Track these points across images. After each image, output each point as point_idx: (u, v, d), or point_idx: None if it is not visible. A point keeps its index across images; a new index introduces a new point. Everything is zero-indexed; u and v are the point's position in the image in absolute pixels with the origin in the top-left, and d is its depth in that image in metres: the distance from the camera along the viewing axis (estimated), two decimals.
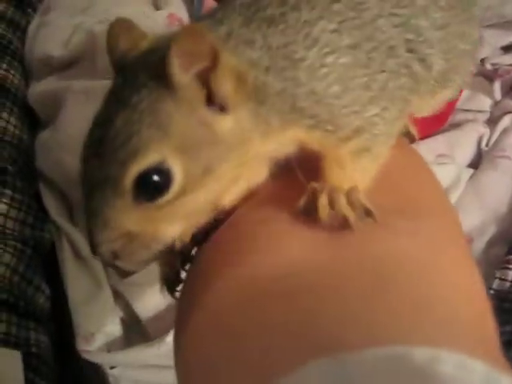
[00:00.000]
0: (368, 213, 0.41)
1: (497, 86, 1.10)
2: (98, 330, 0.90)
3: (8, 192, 0.95)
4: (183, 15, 1.09)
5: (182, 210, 0.42)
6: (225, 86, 0.41)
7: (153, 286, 0.92)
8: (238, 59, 0.42)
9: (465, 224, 0.96)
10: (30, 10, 1.19)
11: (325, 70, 0.43)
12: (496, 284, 0.87)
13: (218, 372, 0.37)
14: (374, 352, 0.28)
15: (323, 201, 0.42)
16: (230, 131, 0.42)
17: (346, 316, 0.34)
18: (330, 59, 0.43)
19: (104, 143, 0.41)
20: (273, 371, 0.31)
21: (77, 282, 0.95)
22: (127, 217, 0.42)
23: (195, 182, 0.41)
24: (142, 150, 0.40)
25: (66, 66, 1.06)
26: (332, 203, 0.42)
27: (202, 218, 0.46)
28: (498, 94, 1.11)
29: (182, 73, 0.39)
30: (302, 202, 0.43)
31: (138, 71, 0.42)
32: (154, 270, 0.92)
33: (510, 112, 1.08)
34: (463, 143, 1.05)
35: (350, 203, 0.42)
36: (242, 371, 0.35)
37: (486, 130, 1.06)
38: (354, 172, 0.45)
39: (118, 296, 0.94)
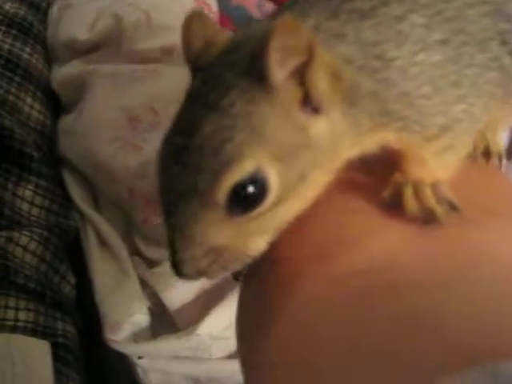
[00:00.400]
0: (453, 207, 0.39)
1: None
2: (124, 320, 0.89)
3: (33, 179, 0.93)
4: (211, 0, 1.07)
5: (275, 220, 0.39)
6: (321, 84, 0.37)
7: None
8: (331, 55, 0.38)
9: None
10: None
11: (416, 68, 0.40)
12: None
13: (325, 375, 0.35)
14: None
15: (409, 193, 0.40)
16: (323, 135, 0.38)
17: (473, 314, 0.32)
18: (420, 57, 0.40)
19: (189, 151, 0.37)
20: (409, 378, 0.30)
21: (103, 270, 0.94)
22: (217, 231, 0.38)
23: (290, 190, 0.38)
24: (237, 159, 0.36)
25: (91, 49, 1.03)
26: (417, 196, 0.40)
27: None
28: None
29: (279, 70, 0.36)
30: (386, 193, 0.41)
31: (223, 71, 0.38)
32: None
33: None
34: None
35: (436, 196, 0.40)
36: (362, 374, 0.33)
37: None
38: (436, 167, 0.43)
39: (145, 285, 0.92)
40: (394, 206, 0.41)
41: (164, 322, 0.92)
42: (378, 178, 0.43)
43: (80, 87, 1.00)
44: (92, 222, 0.97)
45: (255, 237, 0.40)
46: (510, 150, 1.02)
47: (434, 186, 0.41)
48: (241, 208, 0.37)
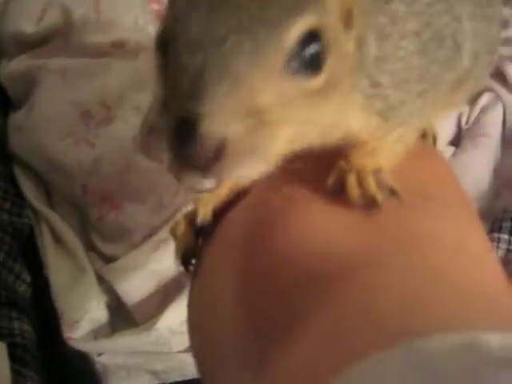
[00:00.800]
0: (394, 192, 0.41)
1: None
2: (82, 317, 0.89)
3: None
4: None
5: (309, 112, 0.34)
6: (357, 12, 0.36)
7: (137, 271, 0.91)
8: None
9: None
10: None
11: (401, 52, 0.40)
12: None
13: None
14: (450, 339, 0.28)
15: (352, 180, 0.41)
16: (349, 56, 0.36)
17: (407, 297, 0.34)
18: (403, 42, 0.40)
19: None
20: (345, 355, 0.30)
21: (58, 267, 0.93)
22: (270, 84, 0.31)
23: (329, 88, 0.34)
24: (311, 9, 0.32)
25: (39, 43, 1.01)
26: (360, 183, 0.41)
27: (301, 143, 0.36)
28: None
29: None
30: (330, 181, 0.42)
31: None
32: (138, 255, 0.91)
33: (488, 90, 1.09)
34: (443, 122, 1.06)
35: (377, 183, 0.41)
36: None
37: (465, 109, 1.07)
38: (382, 157, 0.44)
39: (102, 281, 0.92)
40: (338, 193, 0.42)
41: (122, 317, 0.92)
42: (323, 166, 0.44)
43: (29, 82, 0.98)
44: (46, 220, 0.96)
45: (290, 122, 0.33)
46: (455, 138, 1.06)
47: (376, 173, 0.42)
48: (299, 65, 0.32)
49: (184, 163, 0.31)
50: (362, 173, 0.41)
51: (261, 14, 0.31)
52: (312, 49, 0.32)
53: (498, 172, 1.03)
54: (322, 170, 0.43)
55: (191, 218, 0.47)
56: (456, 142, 1.06)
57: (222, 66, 0.30)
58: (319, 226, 0.41)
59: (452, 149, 1.04)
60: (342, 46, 0.36)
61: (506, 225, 0.91)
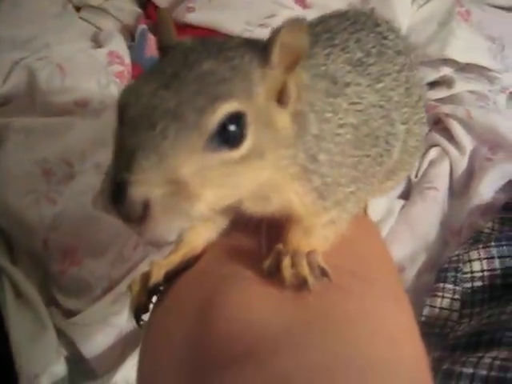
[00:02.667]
0: (324, 273, 0.45)
1: None
2: (42, 371, 0.90)
3: None
4: (124, 52, 1.11)
5: (231, 179, 0.41)
6: (293, 89, 0.43)
7: (97, 324, 0.93)
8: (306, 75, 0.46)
9: (397, 253, 1.03)
10: None
11: (338, 138, 0.47)
12: (426, 311, 0.93)
13: None
14: None
15: (287, 262, 0.45)
16: (283, 129, 0.43)
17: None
18: (342, 131, 0.48)
19: (186, 79, 0.39)
20: None
21: (19, 322, 0.94)
22: (189, 159, 0.38)
23: (253, 157, 0.41)
24: (234, 96, 0.39)
25: (4, 103, 1.04)
26: (294, 265, 0.45)
27: (225, 202, 0.43)
28: None
29: (278, 55, 0.41)
30: (266, 263, 0.46)
31: (227, 41, 0.43)
32: (98, 308, 0.93)
33: (436, 145, 1.15)
34: None
35: (309, 264, 0.45)
36: None
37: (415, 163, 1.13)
38: (315, 239, 0.49)
39: (62, 335, 0.93)
40: (273, 273, 0.46)
41: (82, 370, 0.93)
42: (262, 242, 0.48)
43: None
44: (7, 274, 0.97)
45: (213, 185, 0.40)
46: (405, 191, 1.11)
47: (309, 255, 0.46)
48: (220, 143, 0.39)
49: (122, 220, 0.38)
50: (297, 255, 0.45)
51: (187, 101, 0.38)
52: (231, 128, 0.39)
53: (445, 223, 1.08)
54: (265, 248, 0.48)
55: (146, 278, 0.52)
56: (406, 194, 1.11)
57: (151, 145, 0.37)
58: (253, 304, 0.44)
59: (402, 202, 1.09)
60: (273, 121, 0.43)
61: (451, 274, 0.95)
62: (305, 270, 0.44)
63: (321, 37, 0.54)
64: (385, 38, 0.58)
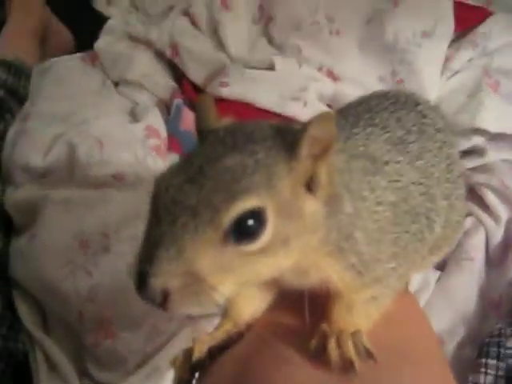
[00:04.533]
0: (370, 355, 0.44)
1: None
2: None
3: None
4: (160, 126, 1.14)
5: (251, 268, 0.42)
6: (323, 175, 0.44)
7: None
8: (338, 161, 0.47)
9: (435, 326, 1.00)
10: (8, 116, 1.21)
11: (376, 216, 0.48)
12: None
13: None
14: None
15: (332, 344, 0.45)
16: (311, 215, 0.44)
17: None
18: (380, 208, 0.48)
19: (209, 174, 0.41)
20: None
21: None
22: (207, 253, 0.40)
23: (275, 246, 0.42)
24: (251, 192, 0.40)
25: (45, 174, 1.07)
26: (339, 346, 0.45)
27: (249, 286, 0.47)
28: None
29: (307, 148, 0.42)
30: (313, 343, 0.46)
31: (253, 130, 0.45)
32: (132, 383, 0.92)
33: (469, 215, 1.14)
34: None
35: (354, 345, 0.45)
36: None
37: None
38: (359, 318, 0.48)
39: None
40: (319, 354, 0.45)
41: None
42: (308, 322, 0.48)
43: (33, 211, 1.03)
44: (41, 345, 0.97)
45: (231, 276, 0.42)
46: (440, 262, 1.10)
47: (355, 336, 0.46)
48: (238, 238, 0.40)
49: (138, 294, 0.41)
50: (342, 335, 0.45)
51: (206, 198, 0.40)
52: (248, 224, 0.41)
53: (483, 295, 1.05)
54: (309, 325, 0.47)
55: (189, 353, 0.52)
56: (441, 265, 1.10)
57: (171, 239, 0.40)
58: None
59: (438, 273, 1.07)
60: (300, 209, 0.44)
61: (493, 349, 0.92)
62: (350, 351, 0.44)
63: (362, 116, 0.55)
64: (424, 116, 0.59)
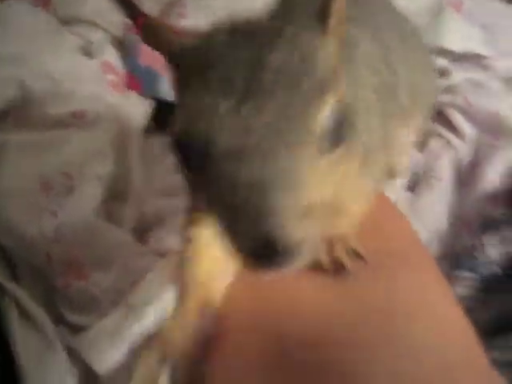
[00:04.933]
0: (359, 256, 0.45)
1: None
2: None
3: None
4: (116, 63, 1.09)
5: (336, 180, 0.36)
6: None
7: (108, 339, 0.89)
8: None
9: None
10: None
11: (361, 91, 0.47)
12: None
13: None
14: None
15: (323, 250, 0.46)
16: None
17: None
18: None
19: (264, 86, 0.33)
20: None
21: (26, 345, 0.90)
22: (316, 170, 0.33)
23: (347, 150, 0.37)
24: (328, 84, 0.35)
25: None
26: (330, 251, 0.45)
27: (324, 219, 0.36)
28: None
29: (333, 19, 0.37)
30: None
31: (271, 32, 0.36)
32: (106, 324, 0.90)
33: (437, 136, 1.14)
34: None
35: (343, 248, 0.45)
36: None
37: (418, 155, 1.12)
38: (345, 223, 0.46)
39: (72, 352, 0.90)
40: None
41: None
42: None
43: None
44: (11, 295, 0.94)
45: (321, 214, 0.34)
46: (411, 183, 1.10)
47: (344, 240, 0.46)
48: (329, 142, 0.34)
49: (263, 268, 0.32)
50: (331, 241, 0.46)
51: (285, 110, 0.33)
52: (336, 122, 0.35)
53: (455, 213, 1.06)
54: None
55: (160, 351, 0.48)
56: (411, 188, 1.10)
57: (279, 178, 0.31)
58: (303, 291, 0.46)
59: (408, 195, 1.07)
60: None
61: (466, 261, 0.94)
62: (340, 254, 0.45)
63: None
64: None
